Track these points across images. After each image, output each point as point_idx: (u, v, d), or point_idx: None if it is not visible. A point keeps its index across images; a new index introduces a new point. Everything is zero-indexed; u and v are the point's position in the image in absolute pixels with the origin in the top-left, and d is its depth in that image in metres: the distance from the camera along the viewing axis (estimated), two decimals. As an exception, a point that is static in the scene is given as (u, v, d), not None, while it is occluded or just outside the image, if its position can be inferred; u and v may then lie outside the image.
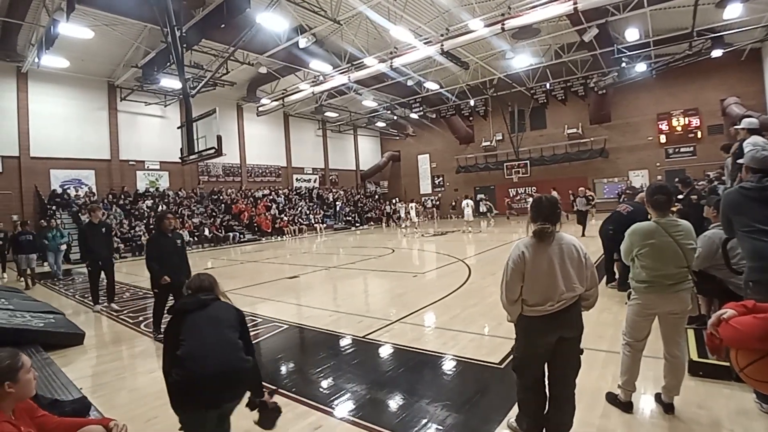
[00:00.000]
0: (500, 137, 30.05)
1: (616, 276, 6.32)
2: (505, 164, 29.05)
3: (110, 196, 19.85)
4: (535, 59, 20.95)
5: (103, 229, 7.40)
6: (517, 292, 2.38)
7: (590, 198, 15.27)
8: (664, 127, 24.37)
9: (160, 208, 20.93)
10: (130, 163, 21.94)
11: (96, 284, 7.27)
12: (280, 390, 3.59)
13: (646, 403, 3.00)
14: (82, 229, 7.49)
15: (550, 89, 23.83)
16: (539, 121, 28.66)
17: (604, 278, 6.55)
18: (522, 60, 20.63)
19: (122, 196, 20.45)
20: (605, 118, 25.97)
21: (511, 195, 29.16)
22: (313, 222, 26.39)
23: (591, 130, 26.67)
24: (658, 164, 24.52)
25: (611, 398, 3.00)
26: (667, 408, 2.83)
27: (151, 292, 5.60)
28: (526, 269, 2.34)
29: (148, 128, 22.78)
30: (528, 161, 28.18)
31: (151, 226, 18.88)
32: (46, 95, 18.92)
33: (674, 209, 5.26)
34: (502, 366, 3.78)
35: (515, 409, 2.71)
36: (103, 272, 7.28)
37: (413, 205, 25.33)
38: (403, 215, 26.45)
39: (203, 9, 13.49)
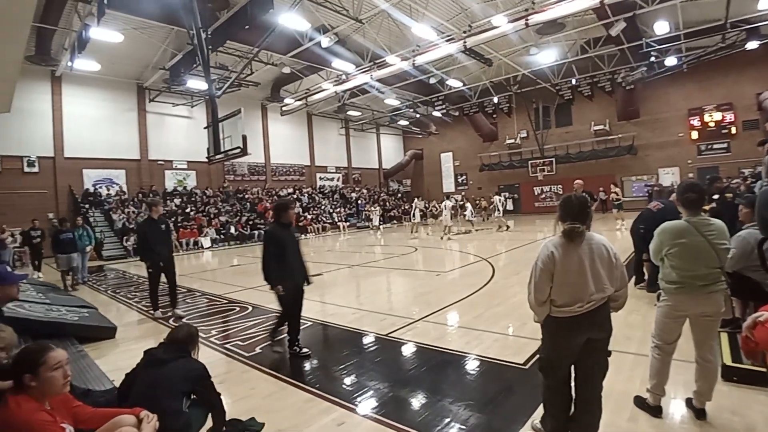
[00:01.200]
0: (525, 134, 29.56)
1: (645, 276, 6.16)
2: (529, 162, 28.66)
3: (140, 195, 20.45)
4: (560, 54, 20.57)
5: (163, 226, 6.74)
6: (546, 293, 2.34)
7: (602, 197, 14.60)
8: (695, 122, 23.52)
9: (188, 208, 21.39)
10: (159, 162, 22.55)
11: (156, 287, 6.67)
12: (305, 386, 3.65)
13: (676, 407, 2.92)
14: (142, 227, 6.91)
15: (576, 85, 23.36)
16: (565, 118, 28.10)
17: (633, 278, 6.39)
18: (547, 56, 20.33)
19: (151, 195, 21.01)
20: (633, 114, 25.26)
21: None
22: (336, 220, 26.61)
23: (619, 126, 25.98)
24: (689, 161, 23.72)
25: (639, 402, 2.93)
26: (699, 414, 2.74)
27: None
28: (555, 269, 2.30)
29: (176, 129, 23.35)
30: (553, 159, 27.74)
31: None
32: (78, 97, 19.60)
33: (706, 208, 5.09)
34: (527, 367, 3.75)
35: (540, 410, 2.68)
36: (163, 274, 6.62)
37: (416, 203, 20.15)
38: (375, 221, 23.49)
39: (228, 11, 13.74)
